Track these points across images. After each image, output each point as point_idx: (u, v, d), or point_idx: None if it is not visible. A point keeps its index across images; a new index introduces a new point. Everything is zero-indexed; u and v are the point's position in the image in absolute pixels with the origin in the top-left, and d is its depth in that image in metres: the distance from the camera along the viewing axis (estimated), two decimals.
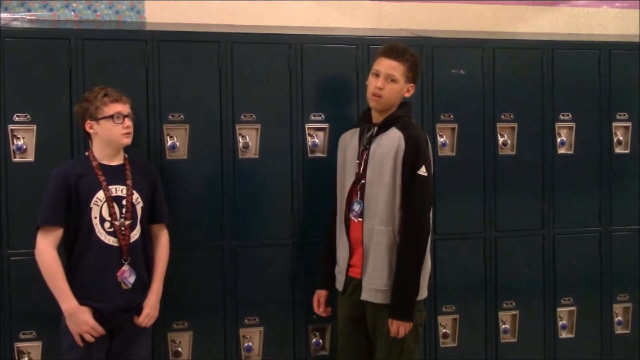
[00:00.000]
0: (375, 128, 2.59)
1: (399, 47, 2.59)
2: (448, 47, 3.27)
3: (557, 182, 3.34)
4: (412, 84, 2.60)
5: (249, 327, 3.02)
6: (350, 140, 2.71)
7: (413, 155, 2.49)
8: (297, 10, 3.64)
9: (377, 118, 2.62)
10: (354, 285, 2.62)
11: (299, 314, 3.06)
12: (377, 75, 2.56)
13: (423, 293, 2.58)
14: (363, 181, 2.59)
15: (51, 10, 3.35)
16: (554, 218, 3.34)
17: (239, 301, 3.00)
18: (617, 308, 3.46)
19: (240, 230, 2.99)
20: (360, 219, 2.59)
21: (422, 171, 2.49)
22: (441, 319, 3.23)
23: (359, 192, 2.61)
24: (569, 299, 3.39)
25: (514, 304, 3.31)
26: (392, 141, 2.53)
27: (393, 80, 2.54)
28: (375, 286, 2.53)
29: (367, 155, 2.58)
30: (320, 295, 2.81)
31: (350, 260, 2.64)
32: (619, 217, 3.43)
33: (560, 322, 3.38)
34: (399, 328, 2.49)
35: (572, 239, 3.39)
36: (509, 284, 3.30)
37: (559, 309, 3.38)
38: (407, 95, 2.60)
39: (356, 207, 2.61)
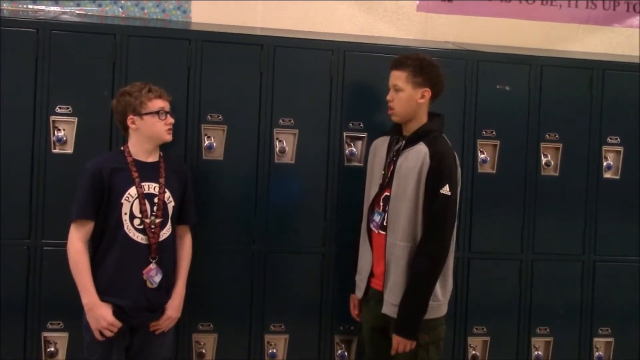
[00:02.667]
0: (404, 141, 2.56)
1: (400, 57, 2.57)
2: (494, 62, 3.19)
3: (601, 208, 3.22)
4: (425, 88, 2.52)
5: (275, 333, 2.99)
6: (380, 148, 2.68)
7: (437, 173, 2.44)
8: (343, 18, 3.62)
9: (407, 130, 2.58)
10: (377, 297, 2.58)
11: (326, 324, 3.01)
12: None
13: (442, 310, 2.54)
14: (387, 193, 2.56)
15: (100, 5, 3.40)
16: (596, 244, 3.22)
17: (265, 306, 2.97)
18: None
19: (271, 235, 2.97)
20: (381, 232, 2.56)
21: (445, 190, 2.43)
22: (471, 340, 3.14)
23: (381, 204, 2.58)
24: (607, 330, 3.26)
25: (548, 330, 3.20)
26: (418, 156, 2.48)
27: (399, 90, 2.52)
28: (394, 301, 2.49)
29: (394, 167, 2.54)
30: (353, 299, 2.77)
31: (372, 269, 2.61)
32: None
33: (597, 353, 3.25)
34: (399, 344, 2.45)
35: (613, 267, 3.26)
36: (543, 309, 3.19)
37: (595, 339, 3.25)
38: (421, 101, 2.53)
39: (376, 217, 2.59)
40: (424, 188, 2.45)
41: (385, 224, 2.55)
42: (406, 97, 2.53)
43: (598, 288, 3.24)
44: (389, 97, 2.57)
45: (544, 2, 3.82)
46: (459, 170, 2.56)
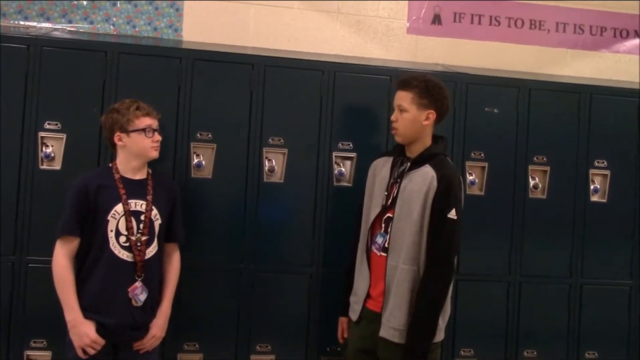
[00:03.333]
0: (409, 163, 2.54)
1: (406, 77, 2.56)
2: (483, 85, 3.22)
3: (588, 231, 3.24)
4: (430, 110, 2.50)
5: (261, 354, 2.96)
6: (381, 169, 2.64)
7: (444, 197, 2.41)
8: (333, 39, 3.65)
9: (411, 152, 2.56)
10: (371, 317, 2.55)
11: (312, 345, 2.99)
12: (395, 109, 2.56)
13: (440, 335, 2.51)
14: (389, 215, 2.53)
15: (91, 23, 3.41)
16: (583, 267, 3.23)
17: (252, 326, 2.95)
18: None
19: (259, 255, 2.95)
20: (383, 253, 2.53)
21: (452, 214, 2.41)
22: None
23: (383, 225, 2.56)
24: (594, 353, 3.26)
25: (535, 352, 3.20)
26: (424, 179, 2.45)
27: (403, 110, 2.51)
28: (394, 325, 2.46)
29: (398, 189, 2.52)
30: (342, 322, 2.74)
31: (369, 291, 2.58)
32: None
33: None
34: None
35: (600, 290, 3.27)
36: (531, 331, 3.19)
37: None
38: (426, 122, 2.50)
39: (379, 239, 2.55)
40: (429, 212, 2.42)
41: (387, 245, 2.52)
42: (411, 118, 2.50)
43: (585, 311, 3.24)
44: (393, 118, 2.55)
45: (533, 26, 3.87)
46: (463, 194, 2.54)
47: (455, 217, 2.42)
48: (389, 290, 2.49)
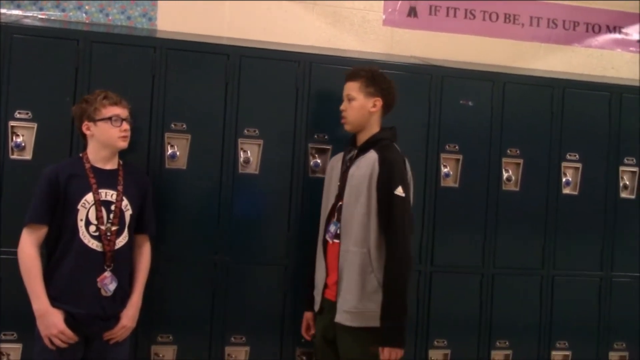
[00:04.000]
0: (356, 150, 2.62)
1: (354, 69, 2.70)
2: (458, 78, 3.24)
3: (560, 223, 3.28)
4: (376, 98, 2.62)
5: (235, 345, 2.95)
6: (337, 163, 2.73)
7: (388, 177, 2.49)
8: (309, 30, 3.63)
9: (360, 140, 2.65)
10: (329, 306, 2.59)
11: (287, 337, 2.99)
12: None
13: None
14: (341, 203, 2.59)
15: (63, 10, 3.34)
16: (555, 259, 3.27)
17: (226, 318, 2.93)
18: (613, 356, 3.37)
19: (233, 246, 2.94)
20: (336, 240, 2.58)
21: (399, 191, 2.48)
22: (432, 353, 3.15)
23: (336, 214, 2.61)
24: (564, 343, 3.31)
25: (507, 343, 3.23)
26: (368, 163, 2.53)
27: (352, 99, 2.62)
28: (346, 308, 2.50)
29: (346, 176, 2.59)
30: (307, 317, 2.78)
31: (326, 280, 2.61)
32: (620, 263, 3.36)
33: None
34: (391, 354, 2.43)
35: (572, 281, 3.32)
36: (503, 322, 3.22)
37: (553, 352, 3.29)
38: (373, 109, 2.61)
39: (332, 228, 2.61)
40: (375, 193, 2.49)
41: (339, 232, 2.57)
42: (358, 106, 2.61)
43: (557, 302, 3.29)
44: (342, 107, 2.68)
45: (507, 20, 3.90)
46: (409, 174, 2.60)
47: (404, 195, 2.48)
48: (341, 275, 2.53)
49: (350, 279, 2.50)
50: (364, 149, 2.59)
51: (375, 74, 2.65)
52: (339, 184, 2.64)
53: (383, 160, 2.51)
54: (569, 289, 3.31)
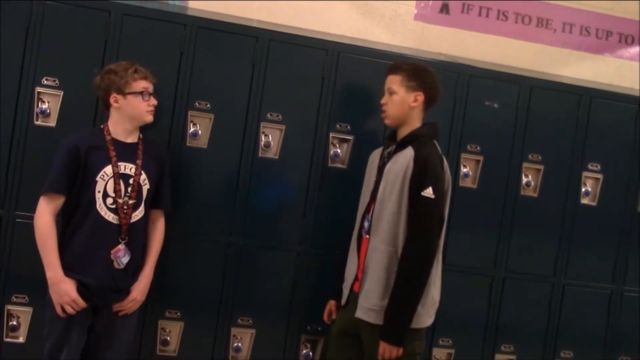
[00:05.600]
0: (394, 146, 2.57)
1: (396, 62, 2.65)
2: (485, 78, 3.21)
3: (576, 232, 3.26)
4: (418, 92, 2.54)
5: (241, 327, 2.97)
6: (375, 158, 2.69)
7: (420, 176, 2.42)
8: (340, 19, 3.61)
9: (400, 136, 2.59)
10: (355, 300, 2.57)
11: (294, 323, 3.01)
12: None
13: (425, 321, 2.52)
14: (374, 199, 2.56)
15: None
16: (567, 268, 3.25)
17: (235, 300, 2.95)
18: None
19: (248, 229, 2.95)
20: (367, 236, 2.55)
21: (428, 192, 2.40)
22: (436, 352, 3.15)
23: (371, 209, 2.57)
24: (569, 353, 3.30)
25: (512, 348, 3.23)
26: (404, 159, 2.47)
27: (392, 93, 2.55)
28: (369, 305, 2.48)
29: (382, 172, 2.55)
30: (331, 304, 2.76)
31: (357, 274, 2.59)
32: (633, 278, 3.34)
33: None
34: (385, 350, 2.42)
35: (582, 292, 3.30)
36: (510, 326, 3.22)
37: None
38: (414, 104, 2.54)
39: (366, 224, 2.58)
40: (407, 191, 2.43)
41: (370, 228, 2.54)
42: (399, 100, 2.54)
43: (565, 311, 3.27)
44: (383, 101, 2.60)
45: (540, 24, 3.86)
46: (448, 174, 2.54)
47: (432, 196, 2.40)
48: (366, 271, 2.51)
49: (374, 277, 2.47)
50: (402, 145, 2.53)
51: (418, 68, 2.58)
52: (375, 179, 2.60)
53: (418, 158, 2.44)
54: (579, 299, 3.29)
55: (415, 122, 2.57)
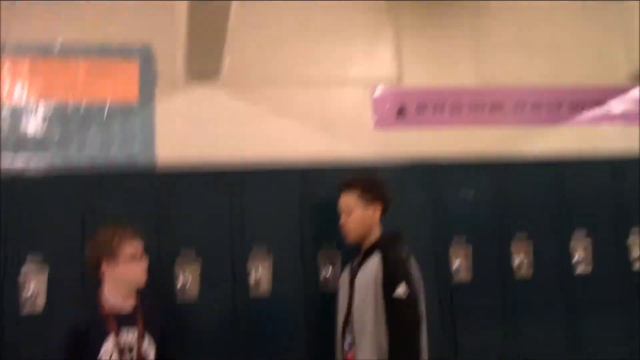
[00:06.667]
0: (360, 257, 2.55)
1: (346, 180, 2.62)
2: (455, 170, 3.29)
3: (579, 304, 3.24)
4: (376, 204, 2.55)
5: None
6: (345, 277, 2.66)
7: (389, 278, 2.38)
8: (303, 142, 3.71)
9: (365, 246, 2.57)
10: None
11: None
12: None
13: None
14: (350, 313, 2.50)
15: (65, 155, 3.43)
16: (581, 341, 3.20)
17: None
18: None
19: None
20: (352, 351, 2.47)
21: (399, 294, 2.34)
22: None
23: (350, 325, 2.50)
24: None
25: None
26: (372, 267, 2.44)
27: (350, 212, 2.56)
28: None
29: (353, 285, 2.51)
30: None
31: None
32: None
33: None
34: None
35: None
36: None
37: None
38: (373, 217, 2.55)
39: (348, 337, 2.51)
40: (382, 294, 2.38)
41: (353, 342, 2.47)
42: (359, 217, 2.56)
43: None
44: (342, 222, 2.60)
45: (494, 109, 4.01)
46: (416, 274, 2.47)
47: (404, 297, 2.34)
48: None
49: None
50: (369, 253, 2.51)
51: (369, 180, 2.61)
52: (348, 294, 2.55)
53: (385, 261, 2.41)
54: None
55: (376, 232, 2.58)
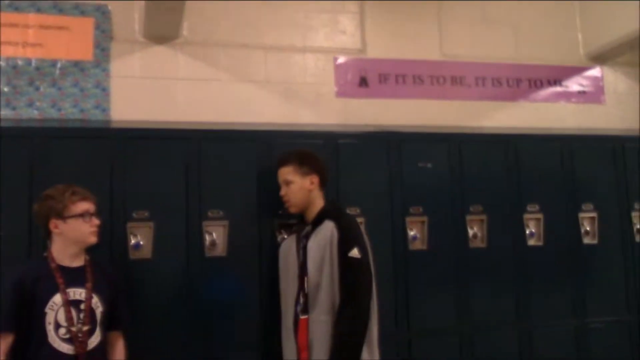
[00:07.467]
0: (310, 225, 2.66)
1: (282, 154, 2.80)
2: (414, 141, 3.30)
3: (529, 274, 3.30)
4: (312, 175, 2.71)
5: None
6: (289, 247, 2.75)
7: (345, 240, 2.54)
8: (264, 107, 3.67)
9: (310, 218, 2.70)
10: None
11: None
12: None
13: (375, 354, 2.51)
14: (305, 277, 2.59)
15: (14, 109, 3.31)
16: (530, 311, 3.28)
17: None
18: None
19: (207, 334, 2.84)
20: (303, 316, 2.57)
21: (354, 253, 2.51)
22: None
23: (301, 292, 2.60)
24: None
25: None
26: (326, 231, 2.58)
27: (289, 183, 2.71)
28: None
29: (306, 250, 2.61)
30: None
31: (299, 356, 2.57)
32: (592, 309, 3.39)
33: None
34: None
35: (547, 332, 3.31)
36: None
37: None
38: (311, 187, 2.70)
39: (298, 307, 2.61)
40: (337, 258, 2.52)
41: (307, 306, 2.55)
42: (298, 188, 2.71)
43: (536, 355, 3.26)
44: (282, 192, 2.75)
45: (455, 83, 4.03)
46: (366, 238, 2.61)
47: (359, 256, 2.51)
48: (312, 347, 2.51)
49: (322, 348, 2.48)
50: (318, 222, 2.64)
51: (305, 154, 2.76)
52: (298, 261, 2.65)
53: (340, 225, 2.57)
54: (546, 340, 3.30)
55: (318, 201, 2.72)
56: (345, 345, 2.44)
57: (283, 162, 2.76)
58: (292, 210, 2.74)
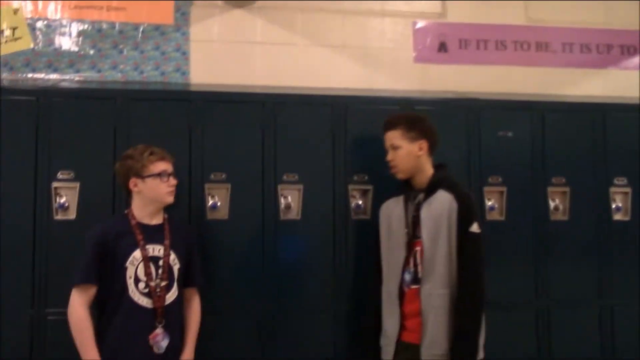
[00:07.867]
0: (422, 194, 2.56)
1: (390, 117, 2.67)
2: (495, 109, 3.19)
3: (614, 250, 3.16)
4: (422, 140, 2.59)
5: None
6: (394, 209, 2.67)
7: (465, 214, 2.47)
8: (341, 72, 3.64)
9: (419, 184, 2.60)
10: (407, 349, 2.51)
11: None
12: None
13: (480, 354, 2.47)
14: (417, 248, 2.52)
15: (99, 71, 3.42)
16: (611, 287, 3.15)
17: None
18: None
19: (280, 295, 2.89)
20: (414, 286, 2.52)
21: (475, 228, 2.47)
22: None
23: (411, 260, 2.54)
24: None
25: None
26: (442, 203, 2.50)
27: (397, 148, 2.60)
28: (437, 351, 2.44)
29: (419, 220, 2.52)
30: None
31: (405, 324, 2.53)
32: None
33: None
34: None
35: (629, 309, 3.17)
36: (564, 357, 3.08)
37: None
38: (420, 153, 2.59)
39: (407, 276, 2.55)
40: (455, 231, 2.46)
41: (419, 277, 2.50)
42: (405, 153, 2.59)
43: (618, 332, 3.14)
44: (389, 157, 2.64)
45: (539, 48, 3.86)
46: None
47: (478, 231, 2.48)
48: (427, 319, 2.47)
49: (438, 323, 2.45)
50: (431, 191, 2.54)
51: (414, 118, 2.65)
52: (406, 230, 2.58)
53: (459, 197, 2.49)
54: (628, 317, 3.16)
55: (428, 168, 2.61)
56: (473, 323, 2.42)
57: (390, 126, 2.63)
58: (400, 176, 2.63)
